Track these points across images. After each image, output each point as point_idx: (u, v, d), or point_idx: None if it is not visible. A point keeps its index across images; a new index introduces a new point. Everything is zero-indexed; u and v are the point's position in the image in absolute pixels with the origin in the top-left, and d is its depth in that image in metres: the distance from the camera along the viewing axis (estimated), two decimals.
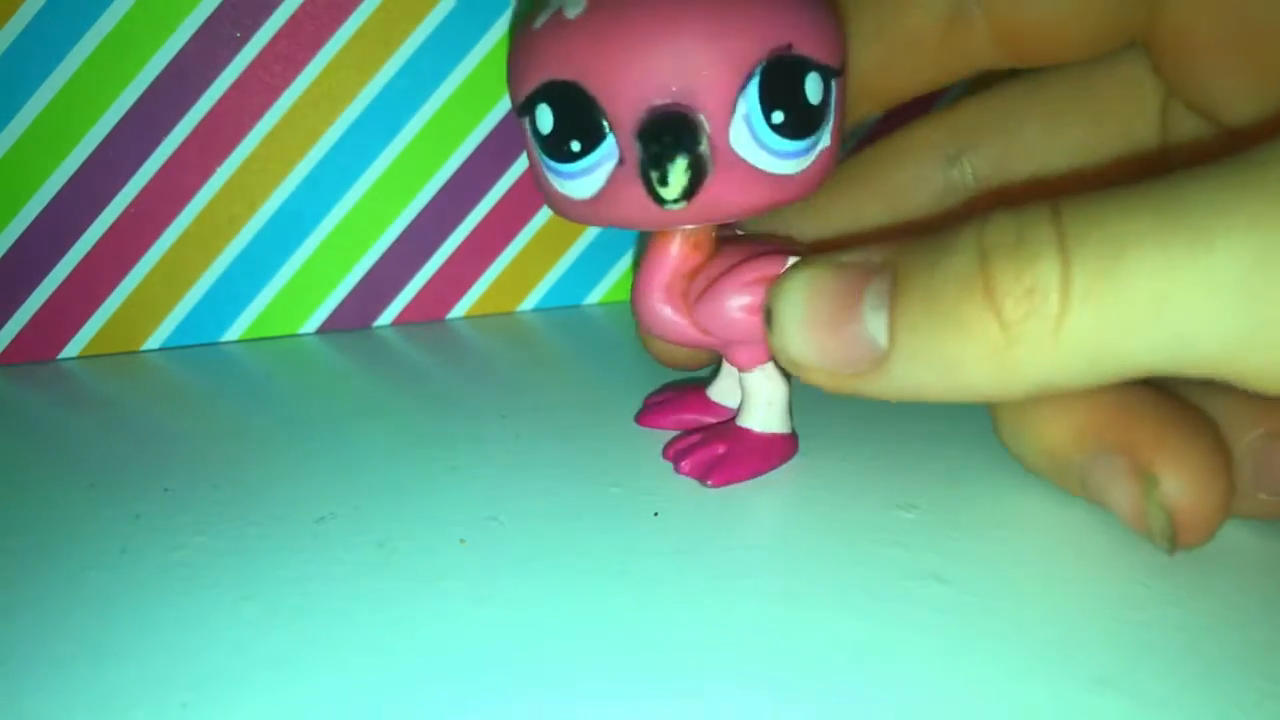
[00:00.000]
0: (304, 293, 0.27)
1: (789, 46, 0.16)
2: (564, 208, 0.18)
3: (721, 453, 0.19)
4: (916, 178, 0.21)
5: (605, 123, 0.16)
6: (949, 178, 0.21)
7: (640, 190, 0.16)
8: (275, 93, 0.25)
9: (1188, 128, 0.19)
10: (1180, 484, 0.16)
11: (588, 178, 0.17)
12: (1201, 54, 0.17)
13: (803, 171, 0.17)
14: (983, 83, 0.21)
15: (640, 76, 0.16)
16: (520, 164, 0.27)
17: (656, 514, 0.18)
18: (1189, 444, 0.16)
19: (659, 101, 0.16)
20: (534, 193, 0.27)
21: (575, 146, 0.17)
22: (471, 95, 0.26)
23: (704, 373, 0.22)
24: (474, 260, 0.28)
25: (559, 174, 0.17)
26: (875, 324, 0.15)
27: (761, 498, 0.19)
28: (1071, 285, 0.13)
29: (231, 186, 0.25)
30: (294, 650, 0.15)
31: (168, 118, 0.25)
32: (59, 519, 0.18)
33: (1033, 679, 0.14)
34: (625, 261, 0.29)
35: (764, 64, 0.16)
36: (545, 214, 0.28)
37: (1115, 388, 0.16)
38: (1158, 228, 0.13)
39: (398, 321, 0.28)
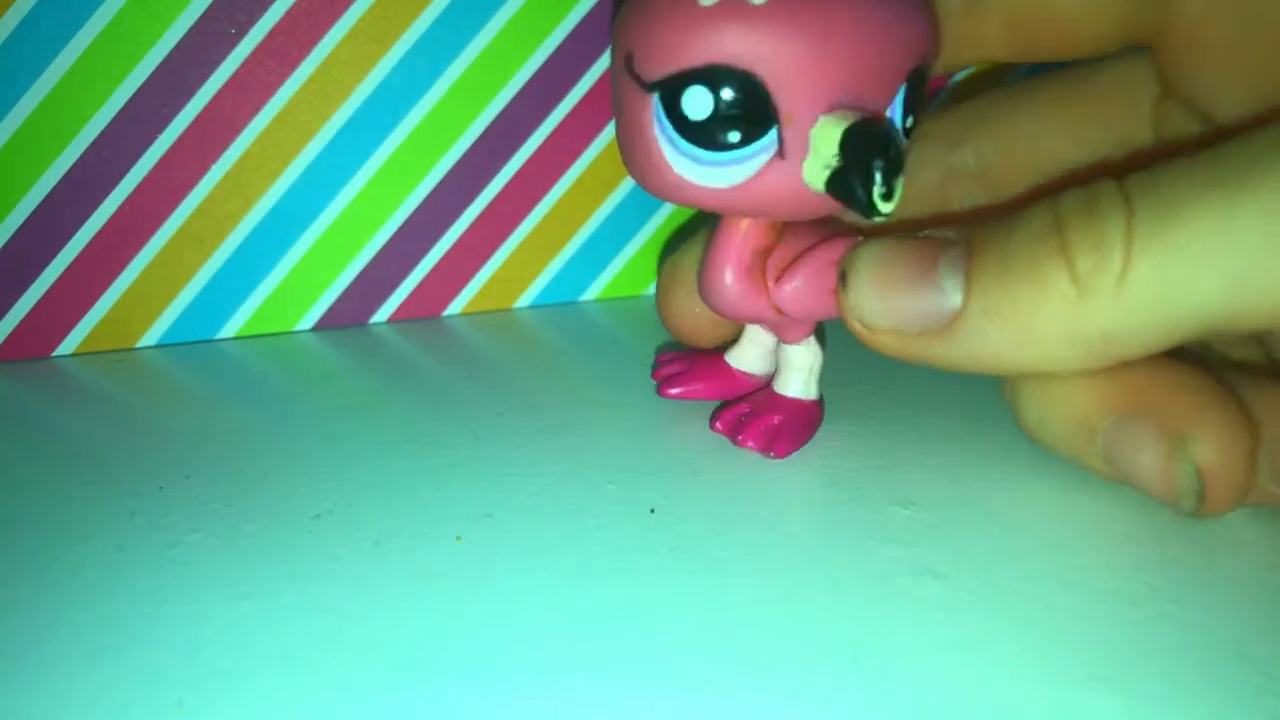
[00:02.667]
0: (299, 289, 0.27)
1: (926, 59, 0.17)
2: (673, 191, 0.17)
3: (777, 423, 0.20)
4: (920, 161, 0.22)
5: (773, 118, 0.16)
6: (950, 163, 0.22)
7: (793, 182, 0.16)
8: (270, 89, 0.25)
9: (1177, 124, 0.19)
10: (1209, 442, 0.16)
11: (735, 167, 0.16)
12: (1209, 53, 0.18)
13: None
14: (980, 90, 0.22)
15: (825, 77, 0.16)
16: (516, 161, 0.27)
17: (653, 510, 0.18)
18: (1217, 407, 0.16)
19: (837, 104, 0.16)
20: (529, 190, 0.28)
21: (733, 137, 0.16)
22: (467, 92, 0.26)
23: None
24: (470, 257, 0.28)
25: (698, 160, 0.16)
26: (950, 283, 0.16)
27: (758, 495, 0.19)
28: (1134, 236, 0.15)
29: (226, 183, 0.25)
30: (290, 648, 0.15)
31: (162, 114, 0.24)
32: (54, 517, 0.18)
33: (1030, 676, 0.14)
34: (622, 258, 0.29)
35: (911, 73, 0.16)
36: (542, 210, 0.28)
37: (1145, 359, 0.16)
38: (1216, 178, 0.14)
39: (394, 318, 0.28)
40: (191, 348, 0.27)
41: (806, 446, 0.20)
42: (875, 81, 0.16)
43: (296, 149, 0.26)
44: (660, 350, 0.25)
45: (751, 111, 0.16)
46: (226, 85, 0.24)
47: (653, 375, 0.22)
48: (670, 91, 0.16)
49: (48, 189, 0.24)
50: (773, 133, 0.16)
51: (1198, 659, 0.14)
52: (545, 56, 0.26)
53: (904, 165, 0.16)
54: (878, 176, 0.15)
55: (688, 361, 0.22)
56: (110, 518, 0.18)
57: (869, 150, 0.15)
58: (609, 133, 0.27)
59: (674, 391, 0.22)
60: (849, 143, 0.16)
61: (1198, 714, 0.13)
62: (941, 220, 0.22)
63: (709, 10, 0.15)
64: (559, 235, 0.28)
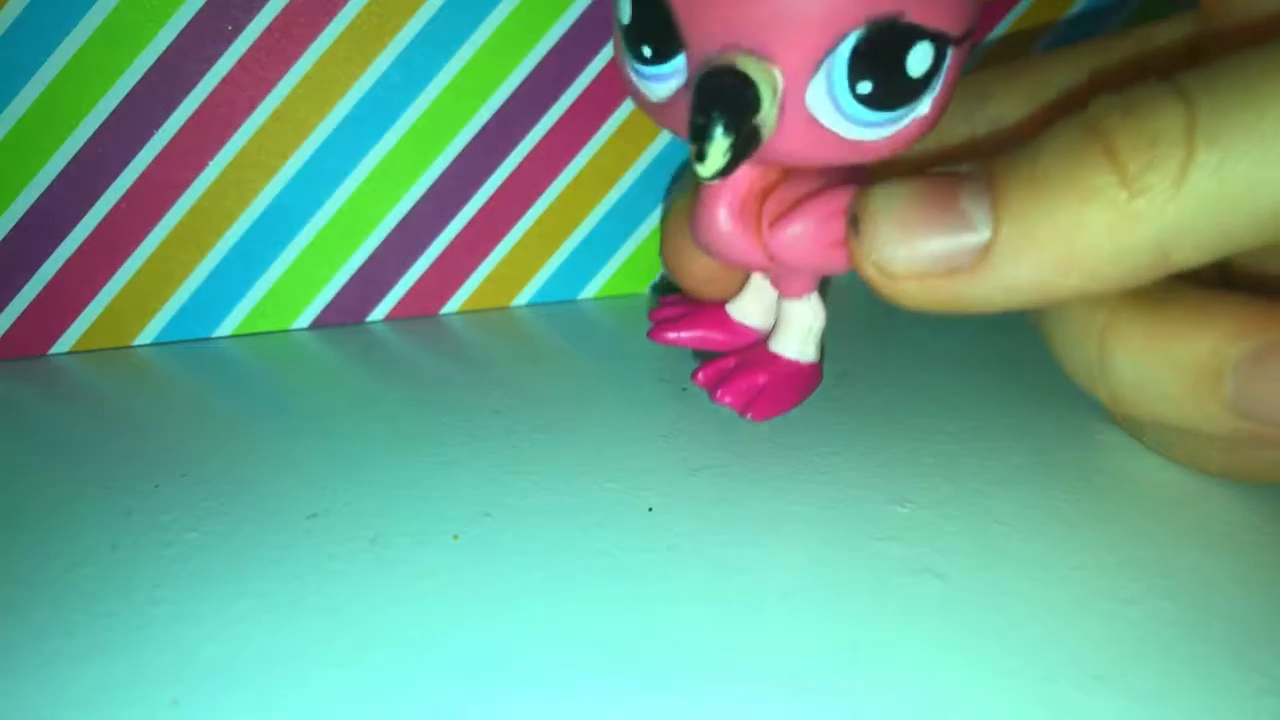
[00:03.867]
0: (297, 288, 0.27)
1: (899, 14, 0.14)
2: (635, 98, 0.17)
3: (761, 383, 0.19)
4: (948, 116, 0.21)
5: (680, 42, 0.15)
6: (975, 119, 0.21)
7: None
8: (267, 86, 0.25)
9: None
10: None
11: (656, 84, 0.16)
12: None
13: (887, 139, 0.16)
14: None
15: (720, 11, 0.14)
16: (514, 158, 0.27)
17: (650, 509, 0.18)
18: None
19: (734, 45, 0.14)
20: (527, 187, 0.28)
21: (646, 52, 0.15)
22: (464, 89, 0.26)
23: None
24: (468, 255, 0.28)
25: (632, 68, 0.16)
26: (977, 213, 0.15)
27: (756, 492, 0.19)
28: (1197, 128, 0.13)
29: (223, 181, 0.25)
30: (286, 647, 0.15)
31: (159, 111, 0.24)
32: (50, 515, 0.18)
33: (1028, 675, 0.14)
34: (620, 256, 0.29)
35: (862, 30, 0.14)
36: (540, 208, 0.28)
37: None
38: None
39: (391, 316, 0.28)
40: (188, 346, 0.27)
41: (803, 445, 0.20)
42: (789, 31, 0.14)
43: (293, 146, 0.26)
44: (662, 294, 0.24)
45: (658, 30, 0.15)
46: (223, 82, 0.24)
47: (649, 316, 0.21)
48: None
49: (44, 186, 0.24)
50: (680, 59, 0.15)
51: (1196, 658, 0.14)
52: (543, 53, 0.26)
53: (739, 131, 0.14)
54: (700, 138, 0.14)
55: (688, 306, 0.21)
56: (106, 516, 0.18)
57: (698, 103, 0.14)
58: (608, 129, 0.27)
59: (669, 336, 0.20)
60: (695, 86, 0.14)
61: (1196, 713, 0.13)
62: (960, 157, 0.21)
63: None
64: (557, 233, 0.28)
